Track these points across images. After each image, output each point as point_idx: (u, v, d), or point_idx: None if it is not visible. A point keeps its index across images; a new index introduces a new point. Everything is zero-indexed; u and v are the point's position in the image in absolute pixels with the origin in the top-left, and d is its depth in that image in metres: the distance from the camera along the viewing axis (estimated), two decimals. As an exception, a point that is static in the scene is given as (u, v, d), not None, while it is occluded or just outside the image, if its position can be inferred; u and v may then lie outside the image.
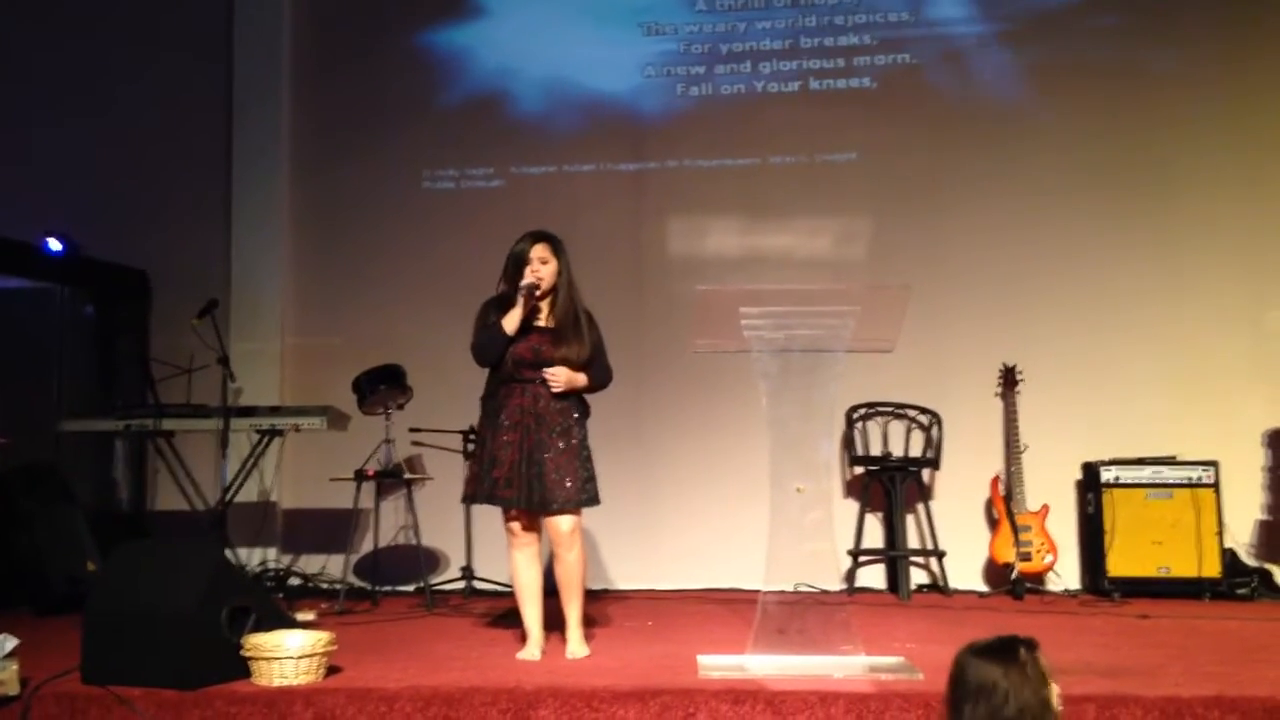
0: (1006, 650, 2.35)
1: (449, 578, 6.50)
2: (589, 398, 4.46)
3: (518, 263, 4.37)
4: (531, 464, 4.23)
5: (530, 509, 4.26)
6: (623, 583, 6.60)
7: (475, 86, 7.23)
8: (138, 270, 7.19)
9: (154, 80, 7.33)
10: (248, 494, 6.58)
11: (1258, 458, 6.41)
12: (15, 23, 7.44)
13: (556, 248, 4.40)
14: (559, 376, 4.27)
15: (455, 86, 7.25)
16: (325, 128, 7.30)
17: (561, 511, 4.25)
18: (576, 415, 4.35)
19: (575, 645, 4.31)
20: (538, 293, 4.32)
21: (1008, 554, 6.09)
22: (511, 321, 4.29)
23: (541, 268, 4.34)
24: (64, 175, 7.26)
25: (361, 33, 7.33)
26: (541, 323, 4.39)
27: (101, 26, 7.45)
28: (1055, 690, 2.37)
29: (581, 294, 4.45)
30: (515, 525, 4.32)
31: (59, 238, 6.69)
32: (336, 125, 7.28)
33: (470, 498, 4.40)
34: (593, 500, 4.33)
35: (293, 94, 7.32)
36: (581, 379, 4.34)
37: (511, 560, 4.37)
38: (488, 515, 6.20)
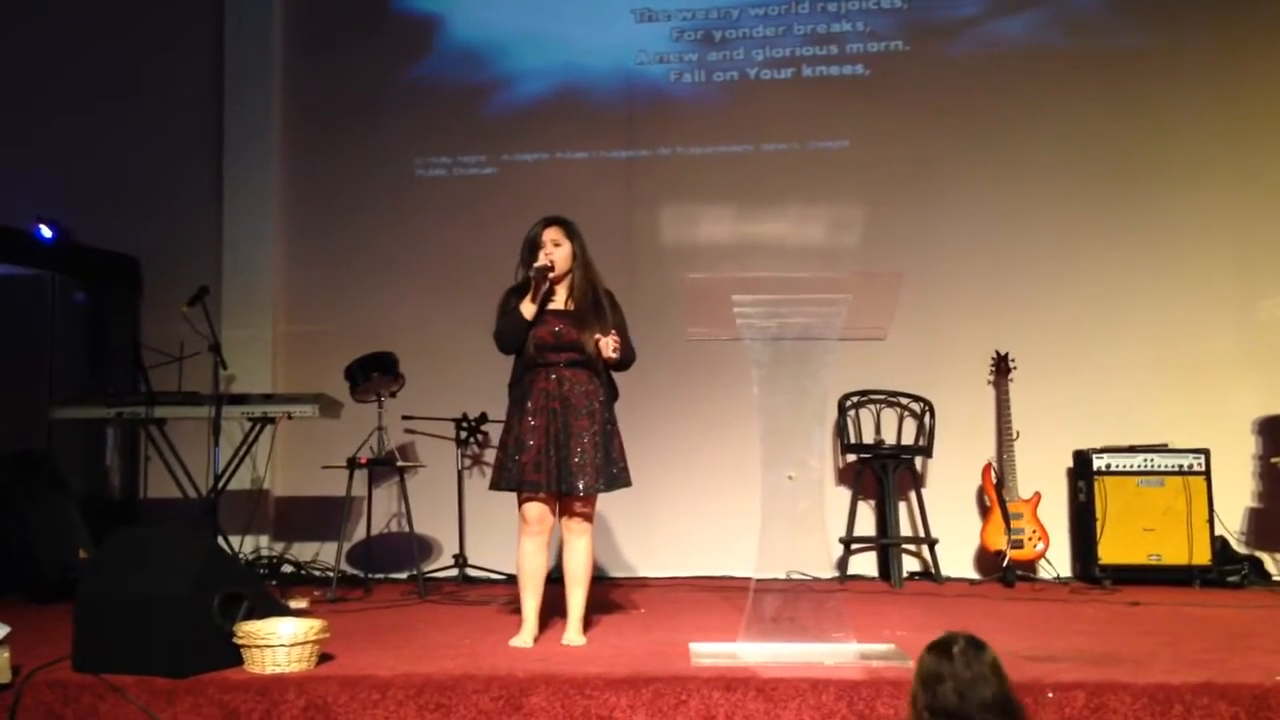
0: (946, 644, 2.47)
1: (441, 565, 6.50)
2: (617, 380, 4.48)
3: (532, 248, 4.38)
4: (559, 447, 4.24)
5: (560, 492, 4.26)
6: (615, 571, 6.61)
7: (468, 73, 7.20)
8: (129, 257, 7.17)
9: (145, 67, 7.31)
10: (240, 482, 6.59)
11: (1248, 445, 6.44)
12: (5, 9, 7.40)
13: (570, 230, 4.41)
14: (609, 345, 4.24)
15: (447, 73, 7.22)
16: (316, 114, 7.27)
17: (582, 496, 4.26)
18: (603, 398, 4.35)
19: (573, 634, 4.30)
20: (551, 274, 4.33)
21: (999, 541, 6.10)
22: (528, 306, 4.31)
23: (555, 250, 4.35)
24: (55, 162, 7.23)
25: (352, 20, 7.30)
26: (561, 305, 4.40)
27: (92, 13, 7.41)
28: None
29: (601, 277, 4.46)
30: (531, 511, 4.31)
31: (50, 224, 6.66)
32: (328, 112, 7.26)
33: (497, 484, 4.36)
34: (616, 484, 4.32)
35: (284, 81, 7.30)
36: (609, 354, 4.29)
37: (520, 546, 4.36)
38: (480, 503, 6.23)
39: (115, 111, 7.29)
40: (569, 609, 4.35)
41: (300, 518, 6.92)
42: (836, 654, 3.74)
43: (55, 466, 6.15)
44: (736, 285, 3.98)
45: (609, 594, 5.81)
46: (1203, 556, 5.95)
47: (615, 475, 4.33)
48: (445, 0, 7.26)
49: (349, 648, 4.04)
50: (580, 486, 4.23)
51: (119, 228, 7.06)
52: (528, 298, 4.32)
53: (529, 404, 4.31)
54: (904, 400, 6.65)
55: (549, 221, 4.42)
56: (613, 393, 4.44)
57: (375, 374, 5.97)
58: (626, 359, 4.38)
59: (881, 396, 6.65)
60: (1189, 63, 6.71)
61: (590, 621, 4.60)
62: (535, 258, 4.35)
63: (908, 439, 6.60)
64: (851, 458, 6.55)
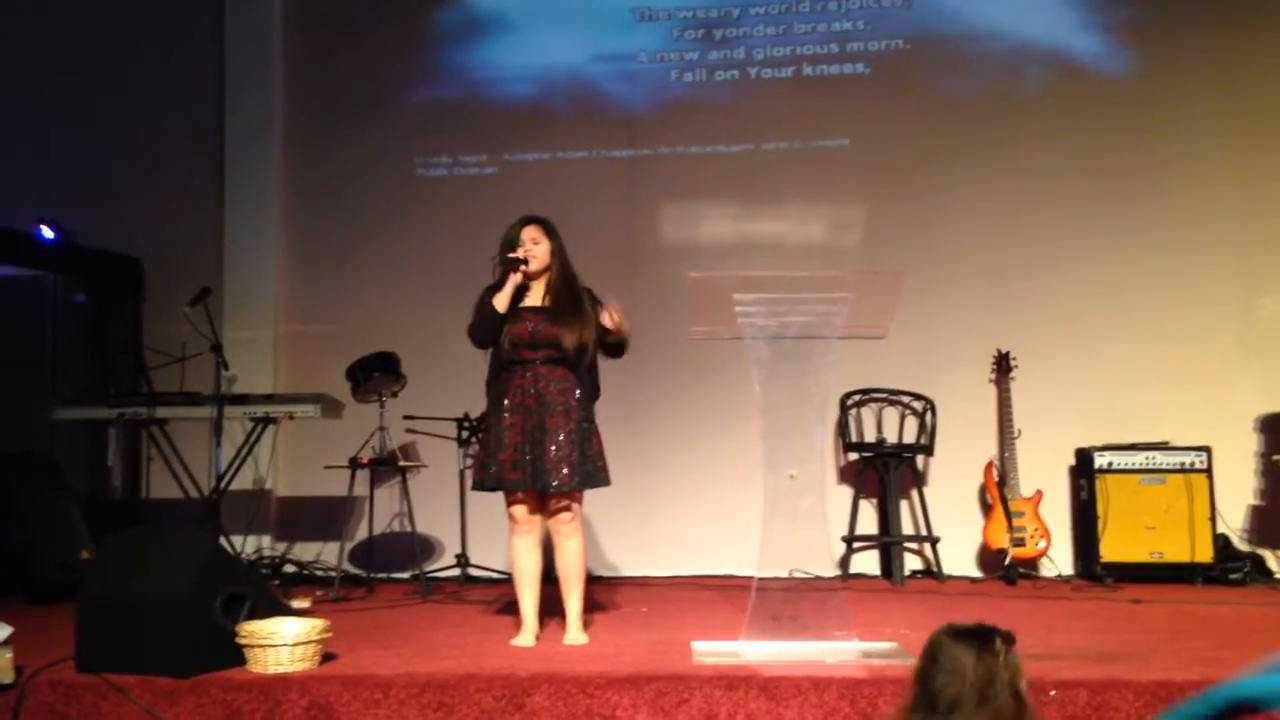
0: (983, 637, 2.37)
1: (444, 565, 6.50)
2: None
3: (509, 247, 4.38)
4: (534, 445, 4.23)
5: (536, 489, 4.26)
6: (617, 569, 6.61)
7: (468, 73, 7.21)
8: (131, 258, 7.17)
9: (146, 67, 7.31)
10: (242, 482, 6.59)
11: (1250, 443, 6.43)
12: (6, 10, 7.41)
13: (548, 229, 4.42)
14: (612, 315, 4.24)
15: (448, 73, 7.23)
16: (318, 114, 7.28)
17: (558, 494, 4.26)
18: (579, 396, 4.33)
19: (574, 634, 4.31)
20: (524, 266, 4.32)
21: (1001, 539, 6.10)
22: (502, 299, 4.30)
23: (533, 247, 4.35)
24: (56, 162, 7.23)
25: (353, 20, 7.30)
26: (537, 302, 4.39)
27: (94, 13, 7.42)
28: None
29: (579, 276, 4.46)
30: (518, 511, 4.32)
31: (51, 225, 6.66)
32: (329, 112, 7.26)
33: (479, 484, 4.38)
34: (593, 481, 4.31)
35: (285, 81, 7.30)
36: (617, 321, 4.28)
37: (512, 546, 4.37)
38: (482, 502, 6.21)
39: (116, 112, 7.30)
40: (567, 609, 4.35)
41: (302, 518, 6.92)
42: (839, 652, 3.75)
43: (57, 467, 6.16)
44: (738, 284, 3.98)
45: (611, 593, 5.82)
46: (1205, 554, 5.94)
47: (592, 473, 4.31)
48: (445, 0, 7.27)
49: (351, 647, 4.05)
50: (555, 483, 4.22)
51: (120, 229, 7.06)
52: (503, 291, 4.31)
53: (506, 402, 4.31)
54: (905, 399, 6.65)
55: (526, 220, 4.43)
56: (592, 391, 4.44)
57: (377, 374, 5.97)
58: (623, 340, 4.37)
59: (883, 395, 6.65)
60: (1190, 60, 6.70)
61: (592, 620, 4.61)
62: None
63: (909, 437, 6.60)
64: (853, 456, 6.55)
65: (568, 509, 4.31)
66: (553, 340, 4.28)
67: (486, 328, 4.33)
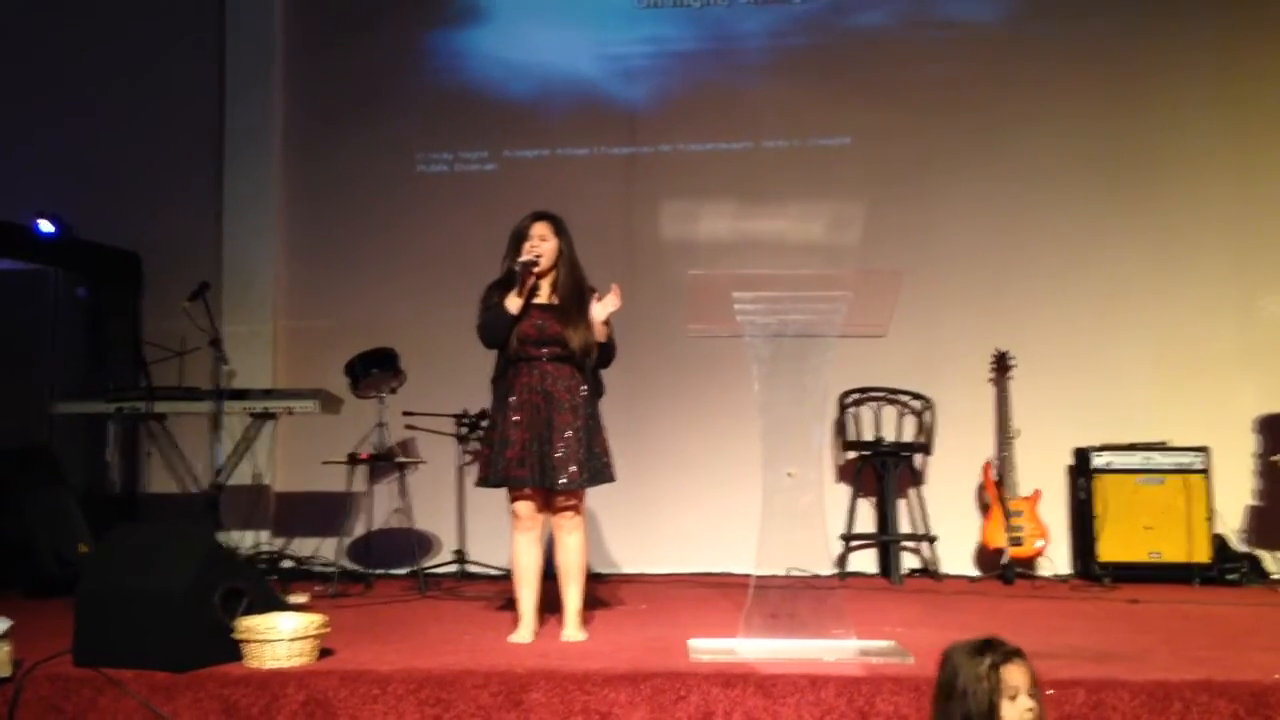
0: (977, 650, 2.45)
1: (441, 561, 6.50)
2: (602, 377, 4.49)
3: (518, 241, 4.37)
4: (542, 442, 4.24)
5: (543, 487, 4.27)
6: (616, 566, 6.61)
7: (468, 69, 7.20)
8: (130, 253, 7.17)
9: (146, 63, 7.31)
10: (240, 477, 6.58)
11: (1248, 443, 6.43)
12: (8, 5, 7.40)
13: (557, 226, 4.41)
14: (610, 301, 4.29)
15: (448, 69, 7.22)
16: (318, 110, 7.28)
17: (565, 491, 4.26)
18: (585, 393, 4.34)
19: (572, 630, 4.31)
20: (536, 269, 4.32)
21: (999, 539, 6.11)
22: (514, 301, 4.30)
23: (541, 245, 4.34)
24: (56, 157, 7.23)
25: (354, 15, 7.30)
26: (544, 300, 4.39)
27: (94, 9, 7.41)
28: (1019, 703, 2.44)
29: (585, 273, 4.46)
30: (521, 507, 4.32)
31: (50, 219, 6.66)
32: (329, 107, 7.26)
33: (484, 480, 4.37)
34: (600, 478, 4.32)
35: (285, 76, 7.30)
36: (609, 311, 4.33)
37: (513, 542, 4.37)
38: (480, 498, 6.22)
39: (117, 107, 7.29)
40: (565, 605, 4.35)
41: (300, 513, 6.92)
42: (836, 650, 3.74)
43: (56, 461, 6.16)
44: (737, 282, 3.98)
45: (609, 590, 5.82)
46: (1202, 554, 5.95)
47: (598, 470, 4.32)
48: (446, -4, 7.28)
49: (349, 643, 4.05)
50: (563, 481, 4.23)
51: (120, 223, 7.06)
52: (513, 292, 4.31)
53: (512, 399, 4.31)
54: (904, 397, 6.65)
55: (537, 216, 4.42)
56: (597, 389, 4.44)
57: (376, 370, 5.97)
58: (611, 347, 4.40)
59: (881, 394, 6.65)
60: (1190, 61, 6.71)
61: (590, 617, 4.60)
62: (520, 252, 4.34)
63: (908, 436, 6.60)
64: (851, 454, 6.55)
65: (573, 505, 4.32)
66: (559, 338, 4.29)
67: (498, 328, 4.33)
